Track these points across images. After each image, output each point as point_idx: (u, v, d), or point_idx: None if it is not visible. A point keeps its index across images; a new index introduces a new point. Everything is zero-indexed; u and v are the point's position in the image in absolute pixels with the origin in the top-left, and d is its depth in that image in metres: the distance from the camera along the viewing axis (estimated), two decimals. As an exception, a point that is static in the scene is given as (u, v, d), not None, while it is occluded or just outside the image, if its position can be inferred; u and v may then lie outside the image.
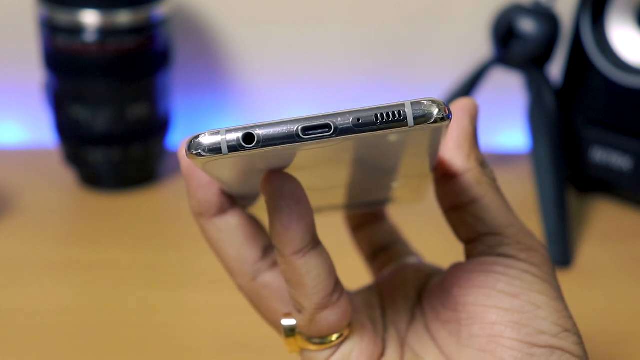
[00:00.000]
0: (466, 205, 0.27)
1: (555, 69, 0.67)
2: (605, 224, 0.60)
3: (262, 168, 0.23)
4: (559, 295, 0.27)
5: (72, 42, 0.56)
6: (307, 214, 0.24)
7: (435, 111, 0.20)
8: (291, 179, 0.24)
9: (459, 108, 0.28)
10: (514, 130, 0.74)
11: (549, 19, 0.59)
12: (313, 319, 0.26)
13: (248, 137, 0.20)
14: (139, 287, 0.49)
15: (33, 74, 0.69)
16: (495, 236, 0.27)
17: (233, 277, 0.28)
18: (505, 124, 0.74)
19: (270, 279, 0.28)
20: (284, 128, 0.20)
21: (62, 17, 0.55)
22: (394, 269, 0.32)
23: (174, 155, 0.68)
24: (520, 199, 0.63)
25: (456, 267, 0.28)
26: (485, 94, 0.70)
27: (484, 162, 0.28)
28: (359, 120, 0.21)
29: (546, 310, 0.26)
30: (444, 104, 0.21)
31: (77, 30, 0.55)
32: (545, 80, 0.61)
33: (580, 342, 0.26)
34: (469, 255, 0.28)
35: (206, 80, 0.71)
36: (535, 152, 0.59)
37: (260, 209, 0.29)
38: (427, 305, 0.29)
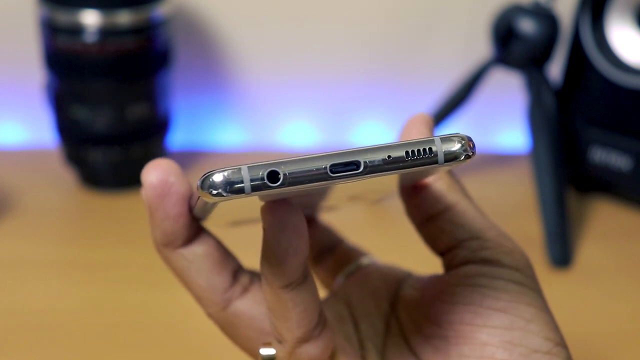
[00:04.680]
0: (442, 213, 0.27)
1: (555, 69, 0.67)
2: (605, 224, 0.60)
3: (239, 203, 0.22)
4: (545, 305, 0.26)
5: (72, 42, 0.56)
6: (303, 248, 0.23)
7: (463, 147, 0.20)
8: (295, 211, 0.22)
9: (418, 122, 0.27)
10: (513, 131, 0.74)
11: (548, 20, 0.59)
12: (293, 352, 0.25)
13: (272, 175, 0.19)
14: (138, 287, 0.49)
15: (33, 74, 0.69)
16: (476, 240, 0.26)
17: (202, 307, 0.27)
18: (505, 124, 0.74)
19: (242, 307, 0.26)
20: (312, 166, 0.19)
21: (63, 17, 0.55)
22: (355, 275, 0.31)
23: (174, 155, 0.68)
24: (520, 199, 0.63)
25: (437, 280, 0.27)
26: (485, 94, 0.71)
27: (451, 170, 0.28)
28: (389, 157, 0.20)
29: (537, 324, 0.25)
30: (469, 139, 0.20)
31: (77, 30, 0.55)
32: (544, 80, 0.61)
33: (570, 356, 0.26)
34: (450, 265, 0.27)
35: (206, 80, 0.71)
36: (535, 152, 0.59)
37: (212, 224, 0.27)
38: (405, 317, 0.28)
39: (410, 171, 0.20)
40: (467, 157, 0.20)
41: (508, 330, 0.25)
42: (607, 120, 0.60)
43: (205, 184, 0.19)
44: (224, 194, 0.19)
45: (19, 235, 0.55)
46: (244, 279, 0.27)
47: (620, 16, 0.59)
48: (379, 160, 0.20)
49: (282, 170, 0.19)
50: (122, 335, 0.45)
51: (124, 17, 0.55)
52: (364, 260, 0.32)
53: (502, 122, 0.74)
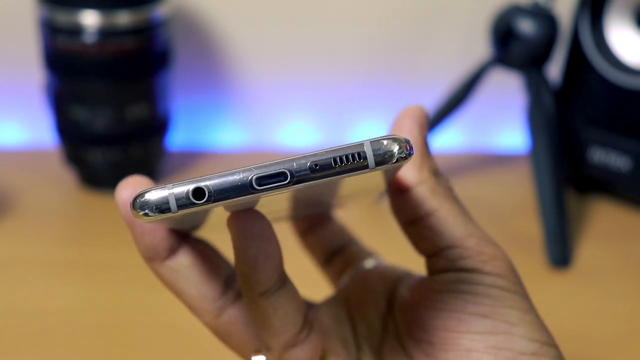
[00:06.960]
0: (422, 218, 0.26)
1: (554, 70, 0.67)
2: (604, 224, 0.60)
3: (222, 212, 0.22)
4: (530, 306, 0.26)
5: (72, 42, 0.56)
6: (274, 253, 0.23)
7: (396, 149, 0.19)
8: (259, 217, 0.22)
9: (407, 117, 0.27)
10: (513, 131, 0.74)
11: (547, 20, 0.59)
12: (281, 358, 0.25)
13: (198, 192, 0.19)
14: (139, 287, 0.49)
15: (33, 74, 0.69)
16: (455, 249, 0.26)
17: (196, 316, 0.27)
18: (505, 124, 0.74)
19: (236, 313, 0.26)
20: (236, 179, 0.19)
21: (62, 17, 0.55)
22: (357, 275, 0.31)
23: (174, 155, 0.68)
24: (520, 199, 0.63)
25: (422, 284, 0.27)
26: (484, 95, 0.71)
27: (438, 171, 0.27)
28: (316, 165, 0.19)
29: (522, 326, 0.25)
30: (405, 141, 0.20)
31: (77, 30, 0.55)
32: (544, 80, 0.61)
33: (560, 354, 0.26)
34: (432, 270, 0.27)
35: (206, 80, 0.71)
36: (535, 152, 0.59)
37: (208, 230, 0.27)
38: (399, 318, 0.28)
39: (342, 177, 0.19)
40: (401, 158, 0.19)
41: (492, 335, 0.25)
42: (607, 120, 0.60)
43: (136, 205, 0.19)
44: (151, 214, 0.19)
45: (19, 235, 0.55)
46: (236, 286, 0.27)
47: (619, 16, 0.59)
48: (305, 170, 0.19)
49: (206, 187, 0.19)
50: (122, 335, 0.45)
51: (124, 18, 0.55)
52: (368, 263, 0.32)
53: (502, 122, 0.74)
